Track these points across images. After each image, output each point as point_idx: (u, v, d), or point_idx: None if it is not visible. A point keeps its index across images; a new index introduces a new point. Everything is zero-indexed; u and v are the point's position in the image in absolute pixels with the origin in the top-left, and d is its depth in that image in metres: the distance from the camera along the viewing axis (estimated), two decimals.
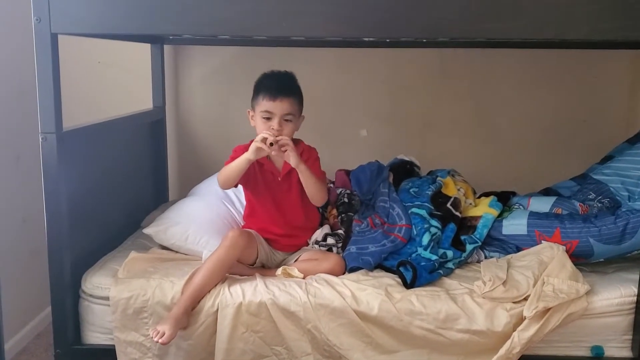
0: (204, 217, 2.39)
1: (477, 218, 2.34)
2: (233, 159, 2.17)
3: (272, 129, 2.12)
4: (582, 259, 2.17)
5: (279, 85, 2.15)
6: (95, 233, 2.27)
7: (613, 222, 2.11)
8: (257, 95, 2.17)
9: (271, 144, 2.04)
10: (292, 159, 2.08)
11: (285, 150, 2.08)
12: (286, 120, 2.14)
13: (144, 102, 2.95)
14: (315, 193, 2.18)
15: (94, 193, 2.26)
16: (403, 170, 2.70)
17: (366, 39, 2.77)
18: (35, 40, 1.85)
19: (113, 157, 2.46)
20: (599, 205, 2.36)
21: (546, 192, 2.67)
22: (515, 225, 2.27)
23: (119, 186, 2.51)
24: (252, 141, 2.26)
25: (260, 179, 2.25)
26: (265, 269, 2.22)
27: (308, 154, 2.25)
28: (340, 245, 2.30)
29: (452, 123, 3.13)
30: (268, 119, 2.14)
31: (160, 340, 1.86)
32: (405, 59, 3.05)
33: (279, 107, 2.12)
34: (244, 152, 2.17)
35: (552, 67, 3.05)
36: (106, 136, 2.38)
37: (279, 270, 2.13)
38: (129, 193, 2.64)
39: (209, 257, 2.06)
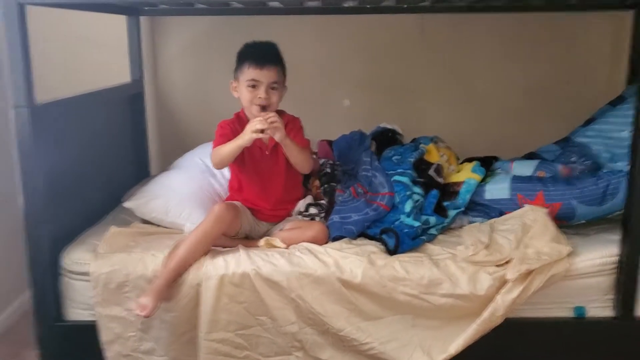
0: (185, 190, 2.37)
1: (459, 184, 2.33)
2: (221, 135, 2.16)
3: (259, 97, 2.11)
4: (564, 222, 2.17)
5: (265, 54, 2.15)
6: (74, 209, 2.24)
7: (594, 183, 2.11)
8: (241, 64, 2.15)
9: (262, 131, 2.01)
10: (278, 134, 2.06)
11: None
12: (272, 88, 2.14)
13: (123, 75, 2.90)
14: (300, 161, 2.18)
15: (72, 168, 2.22)
16: (385, 139, 2.68)
17: (345, 5, 2.72)
18: (3, 11, 1.80)
19: (91, 131, 2.41)
20: (582, 167, 2.36)
21: (529, 156, 2.66)
22: (498, 189, 2.27)
23: (98, 161, 2.46)
24: (236, 115, 2.25)
25: (247, 154, 2.23)
26: (249, 239, 2.21)
27: (292, 124, 2.24)
28: (322, 215, 2.29)
29: (434, 90, 3.11)
30: (254, 86, 2.13)
31: (142, 314, 1.85)
32: (386, 26, 3.02)
33: (266, 75, 2.12)
34: (230, 128, 2.17)
35: (533, 31, 3.03)
36: (83, 110, 2.33)
37: (262, 241, 2.13)
38: (109, 168, 2.60)
39: (194, 230, 2.04)
